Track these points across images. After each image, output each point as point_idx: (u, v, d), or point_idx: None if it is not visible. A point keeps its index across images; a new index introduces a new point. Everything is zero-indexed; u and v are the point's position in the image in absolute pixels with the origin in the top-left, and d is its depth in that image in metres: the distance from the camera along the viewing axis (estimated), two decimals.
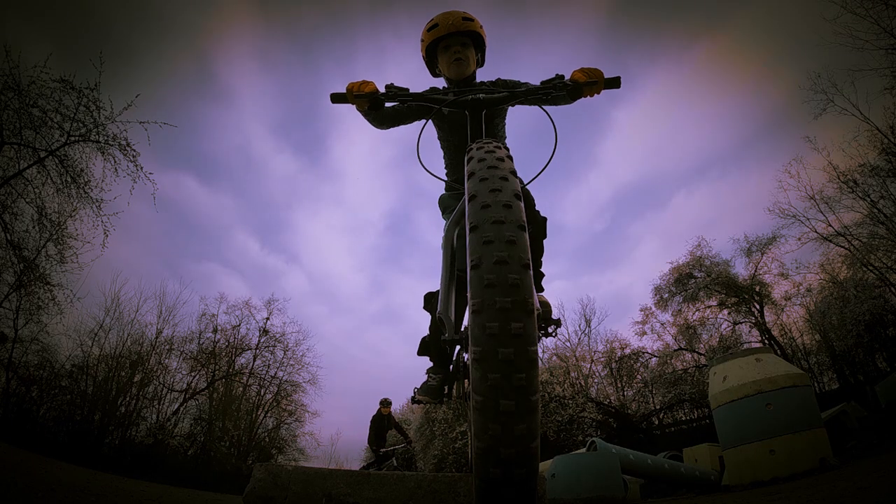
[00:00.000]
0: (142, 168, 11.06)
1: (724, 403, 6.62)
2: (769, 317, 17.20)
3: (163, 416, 16.86)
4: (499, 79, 2.18)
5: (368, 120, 2.10)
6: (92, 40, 16.96)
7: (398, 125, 2.24)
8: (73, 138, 10.68)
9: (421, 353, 2.23)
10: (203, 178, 33.54)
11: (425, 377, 2.26)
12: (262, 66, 32.39)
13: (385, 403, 8.36)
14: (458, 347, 2.10)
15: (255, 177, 33.68)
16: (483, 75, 2.29)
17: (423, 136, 1.87)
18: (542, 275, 2.16)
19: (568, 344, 20.15)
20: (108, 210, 11.25)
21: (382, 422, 8.28)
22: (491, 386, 0.93)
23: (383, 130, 2.24)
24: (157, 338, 17.65)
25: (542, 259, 2.14)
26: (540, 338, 1.81)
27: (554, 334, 1.95)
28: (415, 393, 2.29)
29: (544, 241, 2.09)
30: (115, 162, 11.01)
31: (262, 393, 19.78)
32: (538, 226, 2.01)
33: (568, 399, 17.19)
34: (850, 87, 14.89)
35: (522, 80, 2.11)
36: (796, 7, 21.38)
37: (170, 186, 25.97)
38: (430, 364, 2.27)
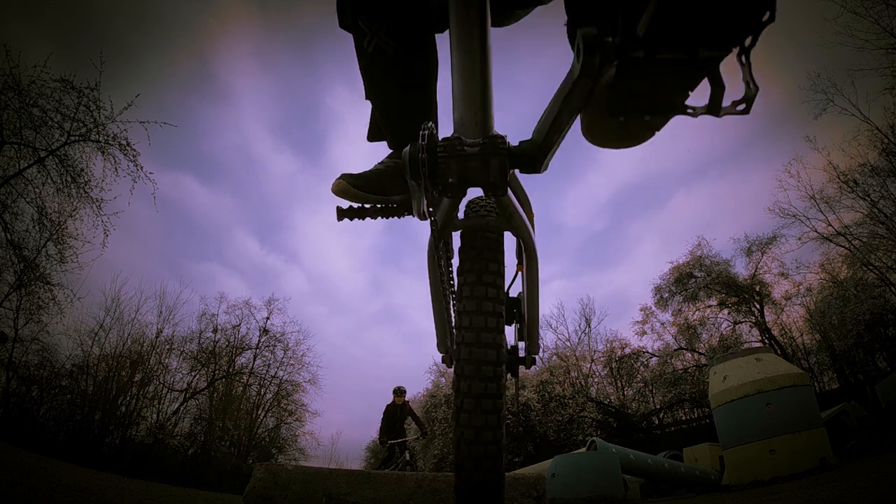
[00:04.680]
0: (142, 168, 11.09)
1: (724, 403, 6.62)
2: (769, 316, 17.21)
3: (163, 416, 16.86)
4: None
5: None
6: (92, 40, 16.98)
7: None
8: (73, 138, 10.69)
9: (373, 137, 1.30)
10: (203, 178, 33.56)
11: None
12: (261, 66, 32.37)
13: (398, 392, 7.85)
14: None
15: (254, 177, 33.67)
16: None
17: None
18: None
19: (568, 343, 20.18)
20: (108, 210, 11.28)
21: (396, 412, 7.78)
22: None
23: None
24: (157, 337, 17.67)
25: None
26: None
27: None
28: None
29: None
30: (115, 162, 11.05)
31: (262, 392, 19.80)
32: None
33: (568, 399, 17.19)
34: (850, 87, 14.96)
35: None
36: (796, 7, 21.35)
37: (170, 186, 26.00)
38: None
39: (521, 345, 1.28)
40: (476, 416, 0.85)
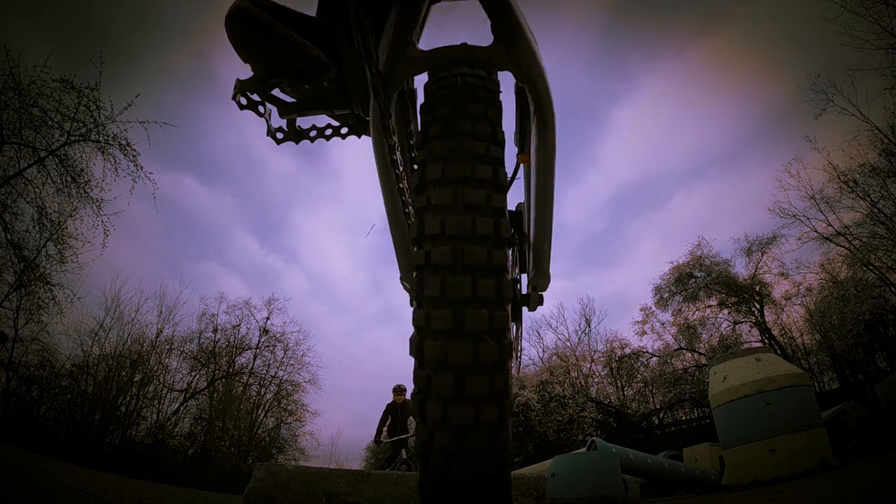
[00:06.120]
0: (142, 168, 11.09)
1: (724, 403, 6.61)
2: (769, 316, 17.21)
3: (163, 416, 16.86)
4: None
5: None
6: (92, 40, 16.98)
7: None
8: (73, 138, 10.68)
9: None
10: (203, 178, 33.59)
11: None
12: None
13: (398, 391, 7.55)
14: None
15: (254, 177, 33.68)
16: None
17: None
18: None
19: (568, 343, 20.18)
20: (108, 210, 11.28)
21: (397, 410, 7.47)
22: None
23: None
24: (157, 337, 17.67)
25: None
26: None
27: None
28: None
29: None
30: (115, 162, 11.05)
31: (262, 392, 19.79)
32: None
33: (568, 399, 17.19)
34: (850, 87, 14.97)
35: None
36: (796, 7, 21.36)
37: (170, 186, 26.01)
38: None
39: (524, 278, 0.79)
40: (458, 407, 0.45)
